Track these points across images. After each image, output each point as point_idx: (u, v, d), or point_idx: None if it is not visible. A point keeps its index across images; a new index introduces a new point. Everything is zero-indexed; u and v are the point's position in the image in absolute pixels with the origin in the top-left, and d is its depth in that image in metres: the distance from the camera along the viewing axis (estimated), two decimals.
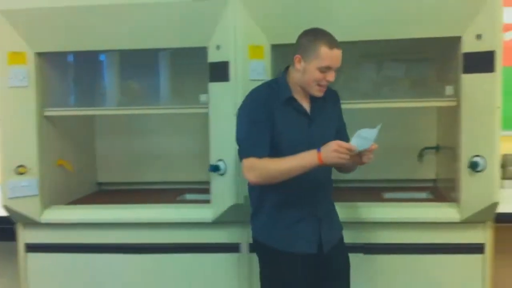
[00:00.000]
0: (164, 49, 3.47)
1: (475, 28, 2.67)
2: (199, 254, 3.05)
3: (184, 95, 3.58)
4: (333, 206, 2.59)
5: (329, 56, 2.28)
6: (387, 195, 3.32)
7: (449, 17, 2.70)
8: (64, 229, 3.13)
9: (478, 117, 2.72)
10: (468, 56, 2.70)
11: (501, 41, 2.69)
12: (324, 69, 2.30)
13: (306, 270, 2.42)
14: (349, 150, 2.17)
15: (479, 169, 2.72)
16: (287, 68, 2.44)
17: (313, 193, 2.41)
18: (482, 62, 2.67)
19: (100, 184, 3.83)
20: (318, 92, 2.35)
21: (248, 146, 2.35)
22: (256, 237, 2.50)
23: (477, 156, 2.73)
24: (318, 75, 2.30)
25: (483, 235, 2.87)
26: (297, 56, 2.34)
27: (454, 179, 2.89)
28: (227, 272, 3.03)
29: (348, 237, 2.81)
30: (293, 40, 2.79)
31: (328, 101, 2.47)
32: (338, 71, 2.35)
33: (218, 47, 2.83)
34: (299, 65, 2.34)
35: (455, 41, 2.76)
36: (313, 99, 2.42)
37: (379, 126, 2.19)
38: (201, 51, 2.88)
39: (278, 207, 2.42)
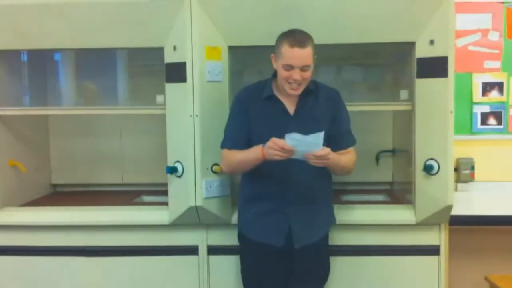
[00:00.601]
0: (121, 49, 3.42)
1: (428, 34, 2.71)
2: (157, 257, 3.01)
3: (141, 95, 3.54)
4: (321, 205, 2.60)
5: (290, 54, 2.33)
6: (345, 197, 3.34)
7: (403, 23, 2.73)
8: (16, 232, 3.06)
9: (432, 121, 2.76)
10: (422, 61, 2.74)
11: (453, 47, 2.74)
12: (288, 67, 2.35)
13: (276, 263, 2.54)
14: (283, 148, 2.25)
15: (433, 172, 2.76)
16: None
17: (283, 190, 2.47)
18: (435, 67, 2.71)
19: (54, 185, 3.76)
20: (291, 91, 2.41)
21: (224, 138, 2.57)
22: (238, 227, 2.69)
23: (431, 159, 2.77)
24: (284, 73, 2.37)
25: (438, 237, 2.91)
26: (272, 56, 2.45)
27: (409, 182, 2.93)
28: (185, 275, 3.01)
29: None
30: (250, 42, 2.83)
31: (321, 101, 2.50)
32: None
33: (174, 48, 2.80)
34: (274, 64, 2.45)
35: (410, 46, 2.80)
36: (302, 98, 2.47)
37: (317, 134, 2.25)
38: (158, 52, 2.85)
39: (250, 199, 2.60)
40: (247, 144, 2.49)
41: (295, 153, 2.30)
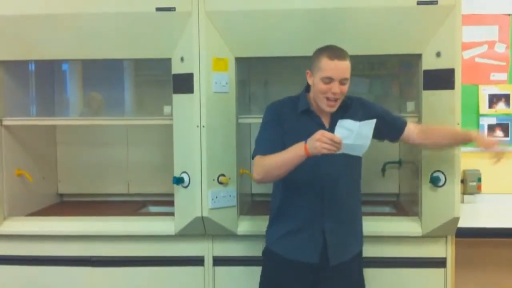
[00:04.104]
0: (128, 60, 3.44)
1: (435, 46, 2.72)
2: (162, 267, 3.01)
3: (148, 106, 3.56)
4: (354, 220, 2.53)
5: (329, 66, 2.30)
6: None
7: (410, 35, 2.74)
8: (23, 241, 3.06)
9: None
10: (428, 73, 2.74)
11: (460, 59, 2.74)
12: (327, 80, 2.31)
13: (306, 282, 2.46)
14: (332, 140, 2.13)
15: (440, 184, 2.76)
16: (308, 85, 2.46)
17: (317, 204, 2.41)
18: (441, 79, 2.72)
19: (61, 195, 3.76)
20: (327, 107, 2.36)
21: (256, 147, 2.44)
22: (266, 242, 2.58)
23: (438, 171, 2.77)
24: (322, 86, 2.33)
25: (444, 250, 2.90)
26: (308, 72, 2.42)
27: (416, 194, 2.92)
28: (191, 286, 3.00)
29: None
30: (257, 53, 2.83)
31: (353, 114, 2.40)
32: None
33: (182, 59, 2.81)
34: (309, 80, 2.41)
35: (416, 58, 2.81)
36: (334, 113, 2.42)
37: (370, 121, 2.16)
38: (165, 63, 2.87)
39: (283, 214, 2.50)
40: None
41: (345, 147, 2.15)
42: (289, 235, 2.47)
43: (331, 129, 2.26)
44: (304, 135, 2.24)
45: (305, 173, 2.36)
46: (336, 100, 2.35)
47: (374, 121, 2.15)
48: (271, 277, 2.54)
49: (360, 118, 2.24)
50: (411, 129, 2.59)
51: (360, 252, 2.60)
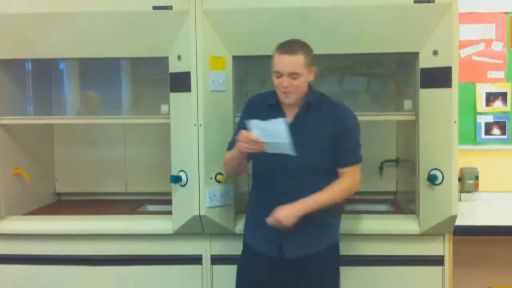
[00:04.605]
0: (125, 59, 3.44)
1: (432, 44, 2.72)
2: (160, 266, 3.01)
3: (145, 105, 3.56)
4: (316, 216, 2.45)
5: (278, 61, 2.37)
6: (349, 207, 3.29)
7: (406, 33, 2.74)
8: (20, 240, 3.06)
9: (436, 131, 2.76)
10: (425, 72, 2.75)
11: (457, 57, 2.74)
12: (277, 74, 2.38)
13: (270, 273, 2.52)
14: (249, 139, 2.27)
15: (437, 182, 2.76)
16: None
17: (278, 203, 2.41)
18: (438, 77, 2.72)
19: (58, 194, 3.76)
20: (283, 98, 2.43)
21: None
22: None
23: (435, 169, 2.77)
24: (275, 80, 2.40)
25: (442, 248, 2.90)
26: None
27: (413, 192, 2.92)
28: (189, 284, 3.00)
29: None
30: (254, 52, 2.83)
31: (321, 117, 2.46)
32: None
33: (179, 57, 2.81)
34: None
35: (413, 56, 2.81)
36: (302, 111, 2.46)
37: (276, 120, 2.26)
38: (162, 61, 2.87)
39: (252, 208, 2.65)
40: None
41: (268, 146, 2.28)
42: (254, 228, 2.59)
43: (293, 125, 2.40)
44: None
45: (263, 169, 2.50)
46: (288, 93, 2.39)
47: (281, 120, 2.26)
48: (242, 264, 2.65)
49: (320, 123, 2.37)
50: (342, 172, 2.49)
51: (329, 247, 2.56)
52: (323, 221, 2.53)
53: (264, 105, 2.52)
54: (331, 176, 2.46)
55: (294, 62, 2.35)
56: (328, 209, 2.47)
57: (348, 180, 2.47)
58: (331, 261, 2.60)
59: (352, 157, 2.50)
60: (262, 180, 2.53)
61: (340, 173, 2.47)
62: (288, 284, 2.55)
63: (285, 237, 2.46)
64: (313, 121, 2.46)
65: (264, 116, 2.40)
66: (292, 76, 2.35)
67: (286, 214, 2.35)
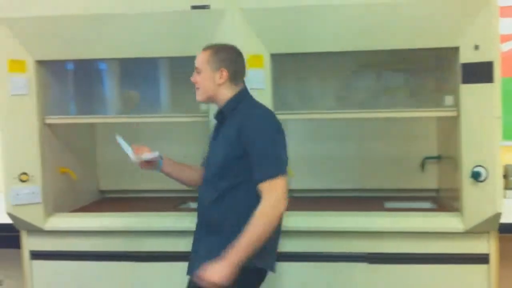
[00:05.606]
0: (164, 58, 3.47)
1: (473, 38, 2.67)
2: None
3: (184, 103, 3.55)
4: (217, 233, 2.30)
5: None
6: (389, 204, 3.29)
7: (446, 28, 2.70)
8: (67, 237, 3.14)
9: (478, 127, 2.71)
10: (466, 67, 2.70)
11: (499, 52, 2.68)
12: None
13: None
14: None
15: (481, 179, 2.71)
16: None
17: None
18: (480, 72, 2.67)
19: (103, 192, 3.84)
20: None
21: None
22: None
23: (479, 166, 2.71)
24: None
25: (487, 245, 2.84)
26: None
27: (456, 189, 2.87)
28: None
29: (351, 246, 2.88)
30: (292, 49, 2.83)
31: (231, 123, 2.33)
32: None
33: None
34: None
35: (453, 51, 2.76)
36: (217, 118, 2.44)
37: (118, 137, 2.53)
38: None
39: None
40: None
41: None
42: None
43: (215, 129, 2.46)
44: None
45: None
46: (196, 88, 2.41)
47: (118, 138, 2.55)
48: None
49: (228, 130, 2.31)
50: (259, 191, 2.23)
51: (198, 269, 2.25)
52: (229, 233, 2.24)
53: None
54: (243, 186, 2.28)
55: (199, 57, 2.39)
56: (229, 218, 2.29)
57: (264, 202, 2.17)
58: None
59: (259, 172, 2.21)
60: None
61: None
62: None
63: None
64: (224, 130, 2.37)
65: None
66: (197, 71, 2.39)
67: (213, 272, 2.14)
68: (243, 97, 2.39)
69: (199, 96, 2.42)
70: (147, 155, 2.48)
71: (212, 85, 2.36)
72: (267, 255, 2.32)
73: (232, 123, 2.32)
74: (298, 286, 2.97)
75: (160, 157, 2.56)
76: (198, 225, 2.45)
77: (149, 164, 2.54)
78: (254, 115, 2.32)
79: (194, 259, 2.39)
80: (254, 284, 2.35)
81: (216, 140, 2.41)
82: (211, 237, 2.33)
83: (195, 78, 2.39)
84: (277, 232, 2.34)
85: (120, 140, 2.54)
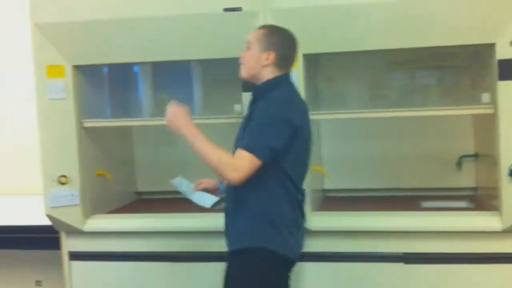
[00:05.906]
0: (196, 60, 3.50)
1: (509, 34, 2.63)
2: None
3: (216, 105, 3.58)
4: (236, 214, 2.38)
5: None
6: (425, 204, 3.26)
7: (481, 24, 2.66)
8: (106, 238, 3.19)
9: None
10: (503, 63, 2.65)
11: None
12: None
13: None
14: None
15: None
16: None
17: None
18: None
19: (139, 193, 3.88)
20: None
21: None
22: None
23: None
24: None
25: None
26: None
27: (494, 187, 2.82)
28: None
29: (388, 246, 2.86)
30: (326, 49, 2.82)
31: (258, 103, 2.35)
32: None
33: None
34: None
35: (489, 48, 2.71)
36: (251, 98, 2.45)
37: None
38: (232, 62, 2.90)
39: None
40: None
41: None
42: None
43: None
44: None
45: None
46: (241, 64, 2.41)
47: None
48: None
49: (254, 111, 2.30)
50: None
51: (239, 251, 2.34)
52: (244, 216, 2.35)
53: None
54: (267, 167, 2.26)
55: (253, 33, 2.39)
56: (257, 204, 2.32)
57: (232, 159, 2.24)
58: (234, 269, 2.37)
59: (246, 142, 2.25)
60: None
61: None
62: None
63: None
64: (253, 112, 2.34)
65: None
66: (247, 46, 2.37)
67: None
68: (278, 83, 2.35)
69: (243, 72, 2.41)
70: (212, 198, 2.56)
71: (257, 64, 2.36)
72: (286, 243, 2.33)
73: (259, 106, 2.32)
74: (333, 286, 2.97)
75: (220, 182, 2.57)
76: (227, 200, 2.47)
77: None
78: (272, 98, 2.31)
79: (225, 232, 2.45)
80: (279, 271, 2.36)
81: (245, 121, 2.39)
82: (237, 212, 2.38)
83: (244, 53, 2.39)
84: (294, 221, 2.38)
85: (176, 182, 2.61)
